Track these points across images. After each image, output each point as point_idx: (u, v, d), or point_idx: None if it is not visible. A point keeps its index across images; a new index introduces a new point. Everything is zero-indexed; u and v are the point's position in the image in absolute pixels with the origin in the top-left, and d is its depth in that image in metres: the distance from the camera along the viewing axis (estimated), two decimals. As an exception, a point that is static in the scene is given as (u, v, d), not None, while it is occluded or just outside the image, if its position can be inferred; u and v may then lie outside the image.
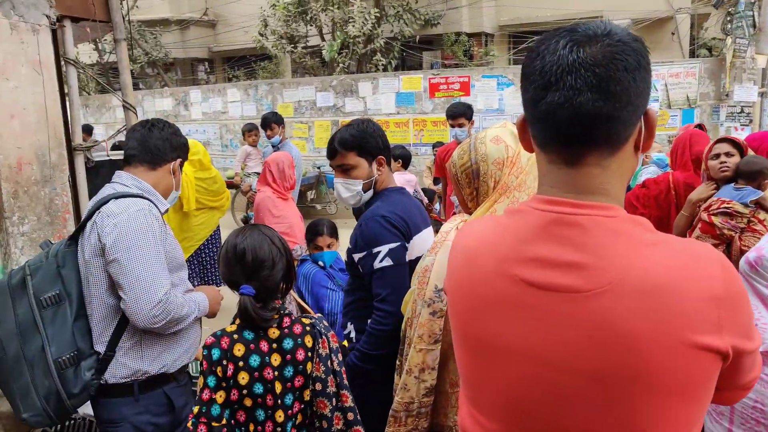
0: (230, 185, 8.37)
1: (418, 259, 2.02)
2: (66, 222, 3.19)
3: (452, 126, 5.11)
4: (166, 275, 2.00)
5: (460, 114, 4.99)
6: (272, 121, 6.17)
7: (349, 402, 1.86)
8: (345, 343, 2.16)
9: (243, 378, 1.74)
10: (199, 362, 1.78)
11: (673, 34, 12.36)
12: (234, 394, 1.75)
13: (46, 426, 2.10)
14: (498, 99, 9.39)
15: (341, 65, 11.72)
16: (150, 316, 1.92)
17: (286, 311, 1.84)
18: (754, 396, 1.31)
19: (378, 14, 11.39)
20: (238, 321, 1.82)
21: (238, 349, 1.75)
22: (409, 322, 1.84)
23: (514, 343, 0.92)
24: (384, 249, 2.00)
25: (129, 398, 2.03)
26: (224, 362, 1.73)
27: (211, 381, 1.73)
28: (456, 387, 1.76)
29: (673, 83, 8.44)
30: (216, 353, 1.74)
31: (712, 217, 2.91)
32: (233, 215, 8.68)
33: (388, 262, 1.99)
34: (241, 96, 11.46)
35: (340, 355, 1.86)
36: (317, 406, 1.83)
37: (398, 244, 2.02)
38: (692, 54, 12.25)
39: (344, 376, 1.85)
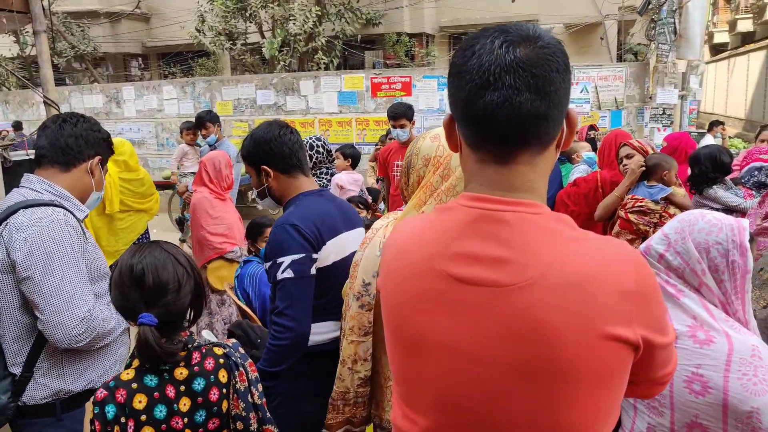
0: (166, 185, 8.16)
1: (336, 263, 2.03)
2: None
3: (393, 127, 5.14)
4: (88, 289, 1.86)
5: (401, 115, 5.04)
6: (206, 120, 5.96)
7: None
8: None
9: None
10: (90, 420, 1.46)
11: (602, 39, 12.93)
12: None
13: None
14: (439, 99, 9.53)
15: (282, 63, 11.57)
16: (72, 336, 1.78)
17: (195, 344, 1.57)
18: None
19: (319, 12, 11.32)
20: (135, 363, 1.52)
21: (139, 401, 1.46)
22: (344, 315, 1.87)
23: (442, 339, 0.93)
24: (287, 260, 1.91)
25: (51, 419, 1.89)
26: (122, 420, 1.44)
27: None
28: (389, 381, 1.80)
29: (602, 86, 8.82)
30: (111, 411, 1.43)
31: (629, 215, 3.12)
32: (169, 216, 8.42)
33: (288, 273, 1.91)
34: (177, 93, 11.11)
35: (260, 386, 1.65)
36: None
37: (302, 255, 1.92)
38: (619, 58, 12.85)
39: (266, 408, 1.65)
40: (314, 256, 1.96)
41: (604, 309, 0.85)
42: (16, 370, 1.85)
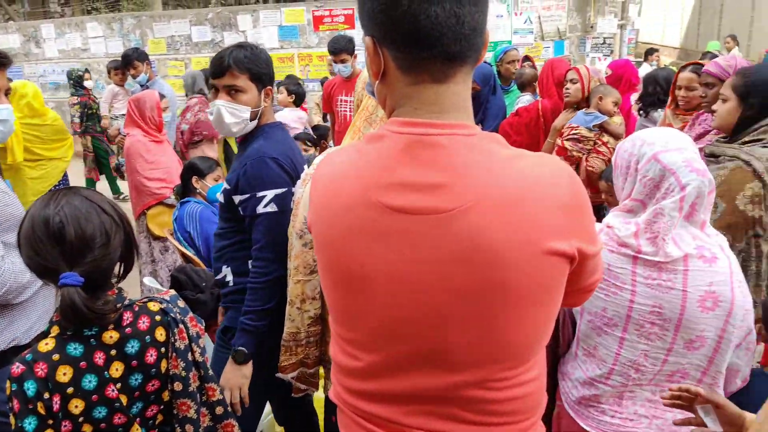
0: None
1: None
2: None
3: (334, 62, 4.99)
4: None
5: (342, 49, 4.88)
6: (134, 58, 5.55)
7: (217, 395, 1.54)
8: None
9: (77, 407, 1.31)
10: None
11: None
12: (66, 426, 1.31)
13: None
14: (382, 31, 9.28)
15: (217, -4, 10.95)
16: None
17: (126, 302, 1.40)
18: (651, 302, 1.43)
19: (252, -60, 10.67)
20: (54, 330, 1.32)
21: (63, 374, 1.29)
22: (289, 254, 1.85)
23: (383, 270, 0.91)
24: (270, 194, 1.87)
25: None
26: (46, 395, 1.27)
27: (30, 423, 1.26)
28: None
29: (545, 16, 8.78)
30: (31, 387, 1.25)
31: (564, 142, 3.18)
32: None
33: (272, 207, 1.87)
34: (103, 31, 10.37)
35: (201, 341, 1.52)
36: (178, 408, 1.46)
37: (285, 189, 1.90)
38: (562, -13, 12.77)
39: (208, 365, 1.54)
40: (293, 189, 1.93)
41: (544, 224, 0.86)
42: None
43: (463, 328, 0.90)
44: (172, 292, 1.57)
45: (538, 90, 4.22)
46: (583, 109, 3.31)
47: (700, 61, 3.11)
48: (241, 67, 1.91)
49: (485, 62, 4.76)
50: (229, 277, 2.03)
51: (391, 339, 0.95)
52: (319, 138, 4.82)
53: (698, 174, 1.39)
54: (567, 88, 3.42)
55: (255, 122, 1.99)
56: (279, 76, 9.35)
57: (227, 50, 1.94)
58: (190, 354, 1.47)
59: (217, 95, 1.95)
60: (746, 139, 1.86)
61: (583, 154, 3.21)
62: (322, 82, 7.52)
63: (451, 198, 0.86)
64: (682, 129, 2.94)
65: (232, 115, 1.93)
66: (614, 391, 1.53)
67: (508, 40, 8.80)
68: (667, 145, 1.44)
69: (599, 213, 2.94)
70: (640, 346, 1.47)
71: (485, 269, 0.86)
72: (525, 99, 4.41)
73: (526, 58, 5.47)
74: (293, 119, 4.96)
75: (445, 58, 0.86)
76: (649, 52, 8.86)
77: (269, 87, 2.00)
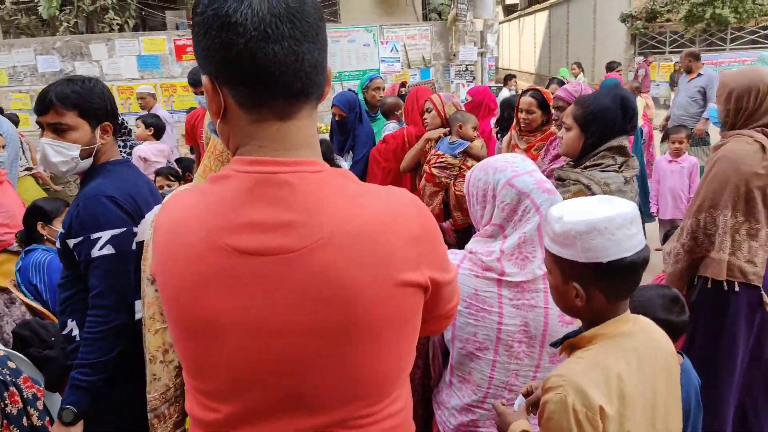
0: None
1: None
2: None
3: (195, 93, 4.79)
4: None
5: (201, 80, 4.68)
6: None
7: None
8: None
9: None
10: None
11: (407, -2, 13.35)
12: None
13: None
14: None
15: (66, 24, 10.16)
16: None
17: None
18: (518, 321, 1.46)
19: (105, -34, 10.09)
20: None
21: None
22: (142, 302, 1.71)
23: (235, 318, 0.87)
24: (105, 235, 1.74)
25: None
26: None
27: None
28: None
29: (410, 44, 9.15)
30: None
31: (432, 169, 3.30)
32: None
33: (109, 250, 1.74)
34: (-69, 61, 9.24)
35: (40, 403, 1.39)
36: None
37: (124, 230, 1.77)
38: (425, 18, 13.41)
39: (48, 427, 1.38)
40: (135, 230, 1.81)
41: (395, 257, 0.86)
42: None
43: (322, 369, 0.88)
44: (3, 352, 1.42)
45: (403, 117, 4.33)
46: (447, 137, 3.43)
47: (536, 87, 3.37)
48: (67, 104, 1.79)
49: (350, 90, 4.82)
50: (76, 331, 1.83)
51: (248, 387, 0.90)
52: (183, 171, 4.57)
53: (549, 194, 1.47)
54: (425, 118, 3.55)
55: (90, 160, 1.86)
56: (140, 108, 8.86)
57: (52, 86, 1.81)
58: (25, 419, 1.35)
59: (43, 133, 1.82)
60: (587, 163, 1.98)
61: (451, 179, 3.33)
62: (188, 113, 7.22)
63: (301, 236, 0.84)
64: (528, 149, 3.15)
65: (59, 153, 1.81)
66: (491, 414, 1.54)
67: (377, 68, 9.05)
68: (517, 170, 1.50)
69: (469, 234, 3.03)
70: (512, 367, 1.51)
71: (340, 307, 0.85)
72: (391, 126, 4.50)
73: (403, 84, 5.60)
74: (153, 153, 4.67)
75: (287, 95, 0.86)
76: (508, 78, 9.53)
77: (107, 123, 1.88)
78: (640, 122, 5.31)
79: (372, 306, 0.85)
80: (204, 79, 0.88)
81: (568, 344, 1.24)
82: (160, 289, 0.96)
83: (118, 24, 10.44)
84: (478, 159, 3.33)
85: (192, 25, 0.88)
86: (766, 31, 13.18)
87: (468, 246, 1.59)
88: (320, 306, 0.85)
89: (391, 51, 9.02)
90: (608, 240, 1.11)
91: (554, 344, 1.28)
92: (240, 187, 0.86)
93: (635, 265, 1.14)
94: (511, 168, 1.51)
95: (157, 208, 1.83)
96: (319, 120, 4.40)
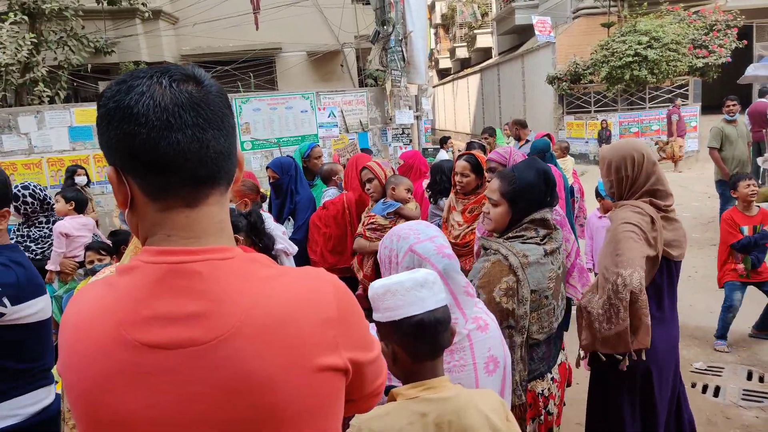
0: None
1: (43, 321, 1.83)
2: None
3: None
4: None
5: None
6: None
7: None
8: None
9: None
10: None
11: (342, 65, 13.77)
12: None
13: None
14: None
15: (-8, 98, 9.84)
16: None
17: None
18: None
19: (35, 40, 9.91)
20: None
21: None
22: (62, 394, 1.62)
23: (144, 416, 0.82)
24: None
25: None
26: None
27: None
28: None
29: (347, 110, 9.34)
30: None
31: (366, 231, 3.31)
32: None
33: None
34: None
35: None
36: None
37: None
38: (362, 83, 13.85)
39: None
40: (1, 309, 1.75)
41: (311, 342, 0.84)
42: None
43: None
44: None
45: (342, 183, 4.35)
46: (381, 200, 3.46)
47: (469, 152, 3.46)
48: None
49: (288, 155, 4.83)
50: None
51: None
52: (116, 244, 4.35)
53: (449, 258, 1.53)
54: (368, 188, 3.57)
55: None
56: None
57: None
58: None
59: None
60: (510, 234, 2.01)
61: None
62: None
63: (212, 327, 0.81)
64: (464, 210, 3.20)
65: None
66: None
67: (314, 133, 9.16)
68: (419, 237, 1.56)
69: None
70: None
71: (254, 397, 0.81)
72: (330, 192, 4.51)
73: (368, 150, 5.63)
74: (76, 228, 4.45)
75: (193, 182, 0.85)
76: (443, 140, 9.82)
77: (5, 208, 1.89)
78: (570, 180, 5.55)
79: (288, 394, 0.82)
80: (109, 170, 0.87)
81: (390, 396, 1.34)
82: (66, 389, 0.89)
83: (48, 96, 10.19)
84: (408, 219, 3.37)
85: (96, 117, 0.87)
86: (681, 90, 14.28)
87: None
88: (234, 399, 0.81)
89: (329, 116, 9.17)
90: (399, 300, 1.27)
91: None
92: (148, 279, 0.84)
93: (424, 323, 1.27)
94: (414, 235, 1.57)
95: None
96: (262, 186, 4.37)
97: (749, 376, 3.88)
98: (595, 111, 14.97)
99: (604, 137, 13.59)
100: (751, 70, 10.60)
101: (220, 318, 0.82)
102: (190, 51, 13.71)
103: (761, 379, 3.82)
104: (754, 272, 4.15)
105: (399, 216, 3.37)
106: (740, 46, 14.05)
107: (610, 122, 14.27)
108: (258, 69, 13.60)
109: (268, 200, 4.75)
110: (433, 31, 33.53)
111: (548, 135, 6.13)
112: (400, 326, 1.28)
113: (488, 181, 3.07)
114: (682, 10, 14.45)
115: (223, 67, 12.82)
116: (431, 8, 32.81)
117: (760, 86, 10.16)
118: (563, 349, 2.21)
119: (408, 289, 1.28)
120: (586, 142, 14.86)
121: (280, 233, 3.33)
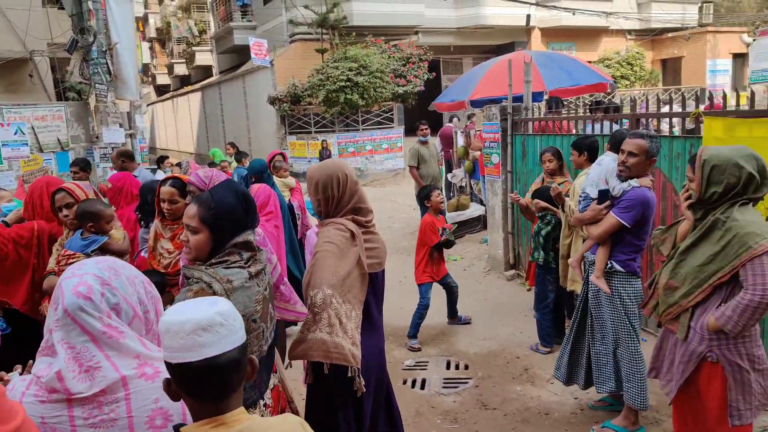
0: None
1: None
2: None
3: None
4: None
5: None
6: None
7: None
8: None
9: None
10: None
11: (31, 76, 11.85)
12: None
13: None
14: None
15: None
16: None
17: None
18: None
19: None
20: None
21: None
22: None
23: None
24: None
25: None
26: None
27: None
28: None
29: (40, 126, 8.07)
30: None
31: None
32: None
33: None
34: None
35: None
36: None
37: None
38: (60, 97, 12.12)
39: None
40: None
41: None
42: None
43: None
44: None
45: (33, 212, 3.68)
46: (79, 232, 3.01)
47: (176, 175, 3.24)
48: None
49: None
50: None
51: None
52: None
53: (79, 297, 1.35)
54: (65, 214, 3.14)
55: None
56: None
57: None
58: None
59: None
60: (213, 261, 1.90)
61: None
62: None
63: None
64: (173, 237, 2.99)
65: None
66: None
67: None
68: (73, 273, 1.40)
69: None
70: None
71: None
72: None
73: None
74: None
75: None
76: (161, 160, 9.18)
77: None
78: (288, 196, 5.71)
79: None
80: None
81: None
82: None
83: None
84: (120, 255, 3.01)
85: None
86: (388, 114, 16.04)
87: (34, 370, 1.39)
88: None
89: (16, 134, 7.77)
90: (177, 342, 1.14)
91: (175, 427, 1.23)
92: None
93: (202, 371, 1.15)
94: (70, 272, 1.41)
95: None
96: None
97: (447, 366, 4.47)
98: (316, 132, 15.84)
99: (325, 156, 14.45)
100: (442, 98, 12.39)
101: None
102: None
103: (457, 367, 4.44)
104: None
105: (105, 252, 2.94)
106: (431, 77, 16.42)
107: (330, 142, 15.27)
108: None
109: None
110: (147, 44, 31.44)
111: (282, 154, 6.22)
112: (178, 369, 1.16)
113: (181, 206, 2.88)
114: (383, 43, 16.26)
115: None
116: (144, 20, 30.69)
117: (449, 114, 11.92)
118: (275, 372, 2.19)
119: (189, 332, 1.14)
120: (309, 161, 15.61)
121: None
